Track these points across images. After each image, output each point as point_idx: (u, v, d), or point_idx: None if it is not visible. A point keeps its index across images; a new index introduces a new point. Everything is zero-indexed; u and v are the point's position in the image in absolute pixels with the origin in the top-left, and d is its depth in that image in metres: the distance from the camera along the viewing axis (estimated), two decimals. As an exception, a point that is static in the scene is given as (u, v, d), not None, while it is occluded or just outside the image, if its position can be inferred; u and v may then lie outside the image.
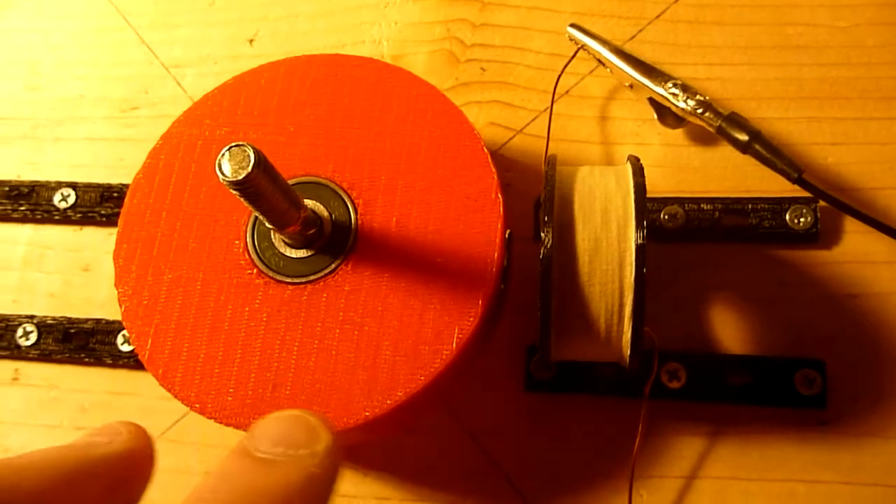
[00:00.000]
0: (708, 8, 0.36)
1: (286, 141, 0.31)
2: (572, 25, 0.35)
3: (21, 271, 0.38)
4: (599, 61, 0.34)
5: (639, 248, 0.25)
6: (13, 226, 0.38)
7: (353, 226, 0.29)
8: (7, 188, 0.38)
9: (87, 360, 0.35)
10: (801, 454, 0.30)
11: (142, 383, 0.35)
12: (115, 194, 0.37)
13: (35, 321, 0.36)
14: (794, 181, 0.30)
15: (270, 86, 0.32)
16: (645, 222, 0.26)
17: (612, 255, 0.26)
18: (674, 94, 0.32)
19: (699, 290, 0.32)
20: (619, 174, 0.28)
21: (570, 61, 0.35)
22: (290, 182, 0.27)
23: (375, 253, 0.29)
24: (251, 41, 0.39)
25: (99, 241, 0.37)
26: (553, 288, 0.26)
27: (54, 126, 0.40)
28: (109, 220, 0.37)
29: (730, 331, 0.32)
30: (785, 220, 0.32)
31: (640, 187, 0.26)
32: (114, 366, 0.35)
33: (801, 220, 0.32)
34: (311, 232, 0.28)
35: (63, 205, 0.37)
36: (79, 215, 0.37)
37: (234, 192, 0.25)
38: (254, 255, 0.29)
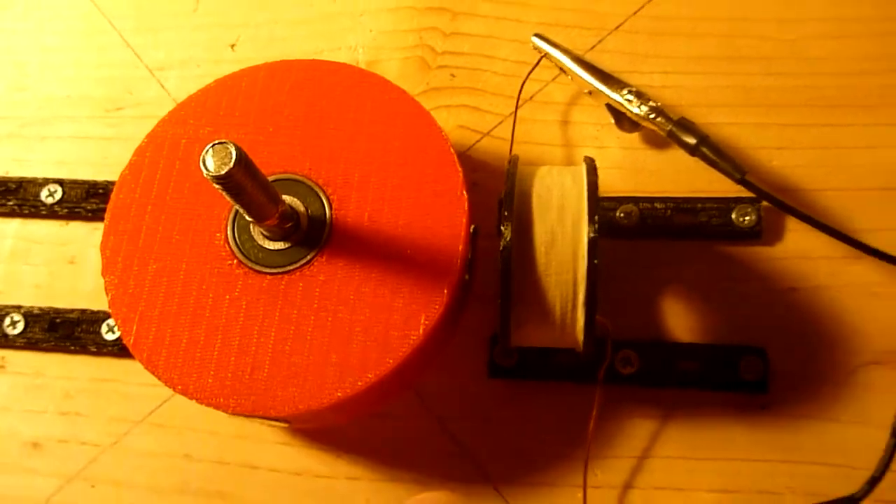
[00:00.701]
0: (664, 20, 0.38)
1: (266, 140, 0.32)
2: (536, 35, 0.37)
3: (7, 264, 0.39)
4: (561, 69, 0.37)
5: (591, 241, 0.28)
6: (3, 220, 0.40)
7: (328, 220, 0.31)
8: (-5, 183, 0.40)
9: (72, 348, 0.37)
10: (745, 435, 0.32)
11: (125, 370, 0.37)
12: (101, 190, 0.39)
13: (22, 311, 0.37)
14: (737, 181, 0.32)
15: (251, 89, 0.33)
16: (596, 217, 0.28)
17: (567, 248, 0.28)
18: (629, 101, 0.34)
19: (652, 283, 0.34)
20: (574, 173, 0.30)
21: (533, 69, 0.37)
22: (269, 179, 0.29)
23: (349, 245, 0.31)
24: (233, 46, 0.41)
25: (84, 235, 0.39)
26: (512, 278, 0.28)
27: (41, 125, 0.41)
28: (95, 216, 0.39)
29: (679, 321, 0.34)
30: (731, 218, 0.34)
31: (592, 185, 0.29)
32: (98, 354, 0.37)
33: (746, 218, 0.34)
34: (288, 225, 0.30)
35: (50, 200, 0.39)
36: (65, 210, 0.39)
37: (216, 186, 0.27)
38: (234, 247, 0.31)
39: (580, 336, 0.29)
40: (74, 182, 0.39)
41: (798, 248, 0.34)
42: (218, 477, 0.35)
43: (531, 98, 0.38)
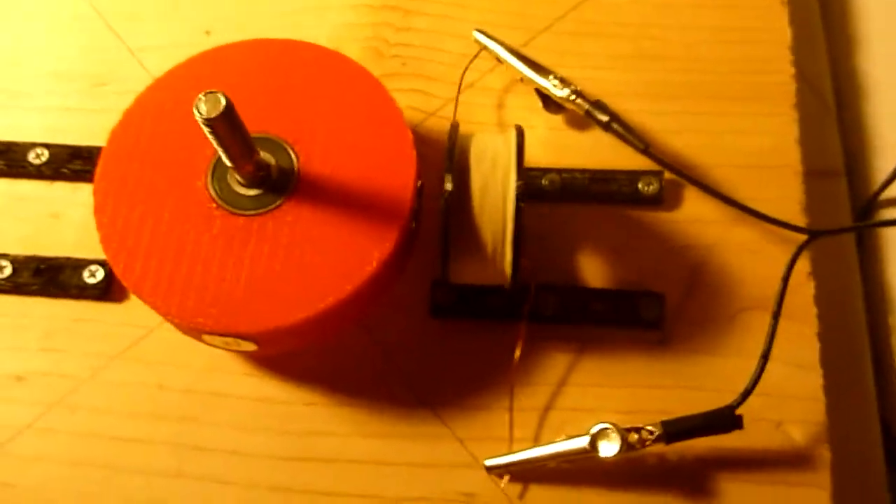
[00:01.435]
0: (586, 24, 0.45)
1: (242, 105, 0.37)
2: (477, 30, 0.43)
3: (-6, 218, 0.43)
4: (498, 60, 0.43)
5: (518, 188, 0.33)
6: (-9, 180, 0.44)
7: (295, 171, 0.36)
8: (-15, 146, 0.44)
9: (56, 291, 0.41)
10: (646, 366, 0.38)
11: (103, 312, 0.41)
12: (86, 154, 0.43)
13: (9, 258, 0.41)
14: (641, 152, 0.39)
15: (228, 62, 0.39)
16: (522, 169, 0.34)
17: (498, 195, 0.34)
18: (554, 85, 0.41)
19: (570, 240, 0.40)
20: (506, 137, 0.36)
21: (473, 58, 0.43)
22: (247, 132, 0.34)
23: (313, 193, 0.36)
24: (208, 32, 0.46)
25: (68, 194, 0.43)
26: (452, 218, 0.34)
27: (29, 97, 0.46)
28: (79, 176, 0.43)
29: (593, 271, 0.40)
30: (638, 187, 0.41)
31: (520, 145, 0.34)
32: (79, 297, 0.41)
33: (650, 187, 0.41)
34: (261, 174, 0.35)
35: (37, 161, 0.43)
36: (50, 171, 0.43)
37: (205, 129, 0.32)
38: (213, 193, 0.36)
39: (508, 270, 0.35)
40: (60, 146, 0.43)
41: (693, 213, 0.41)
42: (189, 404, 0.39)
43: (471, 85, 0.44)
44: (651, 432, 0.35)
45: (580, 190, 0.41)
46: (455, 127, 0.36)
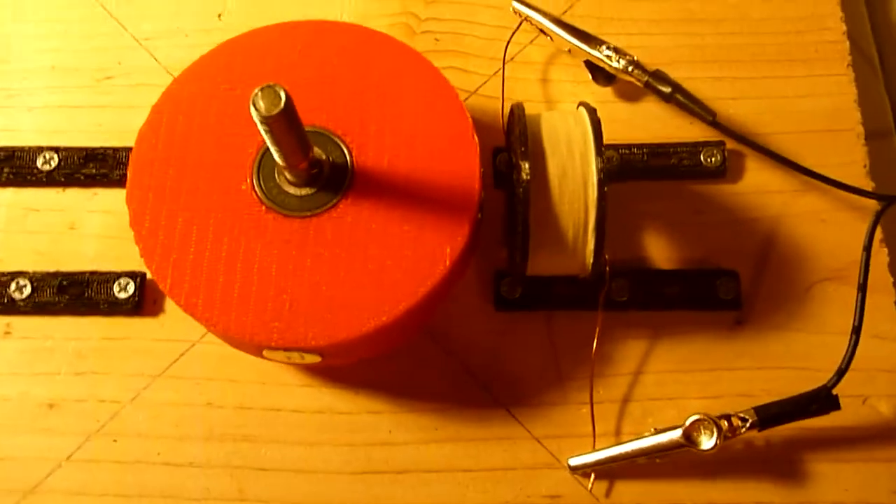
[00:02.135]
0: (626, -12, 0.43)
1: (281, 95, 0.34)
2: (517, 0, 0.40)
3: (5, 232, 0.39)
4: (542, 31, 0.40)
5: (599, 171, 0.31)
6: (-7, 190, 0.40)
7: (349, 166, 0.33)
8: (-14, 153, 0.40)
9: (83, 309, 0.37)
10: (723, 347, 0.37)
11: (137, 328, 0.38)
12: (100, 155, 0.39)
13: (28, 276, 0.38)
14: (709, 123, 0.37)
15: (264, 48, 0.35)
16: (603, 149, 0.31)
17: (578, 179, 0.32)
18: (608, 56, 0.38)
19: (635, 220, 0.38)
20: (575, 115, 0.33)
21: (515, 31, 0.40)
22: (296, 127, 0.31)
23: (371, 189, 0.33)
24: (220, 15, 0.43)
25: (83, 201, 0.40)
26: (531, 208, 0.31)
27: (27, 95, 0.41)
28: (94, 181, 0.39)
29: (661, 251, 0.38)
30: (700, 160, 0.39)
31: (596, 123, 0.32)
32: (110, 313, 0.37)
33: (713, 159, 0.39)
34: (314, 171, 0.32)
35: (46, 167, 0.39)
36: (62, 177, 0.39)
37: (262, 127, 0.28)
38: (261, 195, 0.33)
39: (590, 258, 0.32)
40: (70, 149, 0.40)
41: (756, 183, 0.39)
42: (242, 421, 0.36)
43: (512, 59, 0.41)
44: (744, 419, 0.33)
45: (639, 166, 0.39)
46: (521, 108, 0.33)
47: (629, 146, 0.39)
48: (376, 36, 0.36)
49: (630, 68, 0.38)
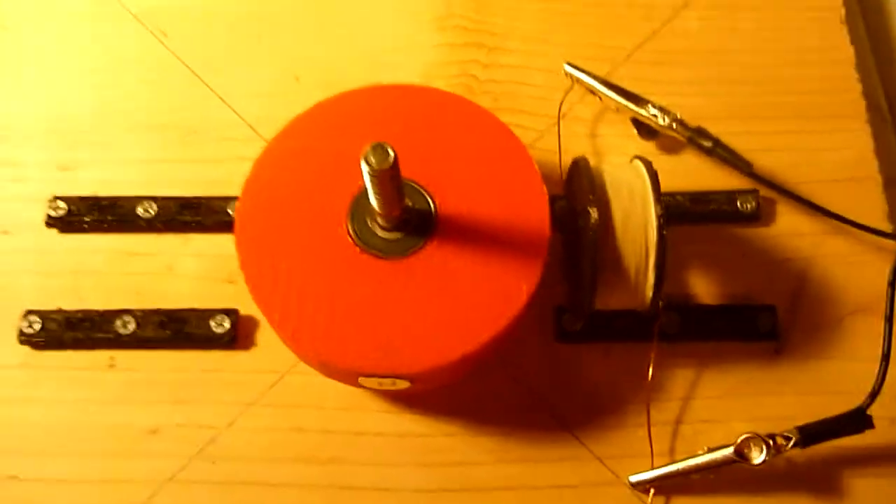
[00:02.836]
0: (661, 53, 0.48)
1: (370, 150, 0.39)
2: (568, 64, 0.45)
3: (108, 275, 0.43)
4: (591, 91, 0.45)
5: (659, 216, 0.35)
6: (98, 236, 0.44)
7: (433, 213, 0.37)
8: (91, 202, 0.44)
9: (182, 343, 0.41)
10: (765, 375, 0.41)
11: (233, 361, 0.41)
12: (194, 205, 0.43)
13: (132, 313, 0.41)
14: (747, 174, 0.41)
15: (354, 109, 0.40)
16: (661, 198, 0.36)
17: (640, 223, 0.36)
18: (654, 115, 0.43)
19: (680, 259, 0.43)
20: (633, 167, 0.38)
21: (568, 91, 0.45)
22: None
23: (453, 234, 0.37)
24: (297, 78, 0.47)
25: (178, 245, 0.43)
26: (599, 248, 0.35)
27: (123, 149, 0.46)
28: (188, 227, 0.43)
29: (705, 288, 0.42)
30: (736, 206, 0.43)
31: (653, 174, 0.36)
32: (206, 347, 0.41)
33: (748, 205, 0.43)
34: (404, 218, 0.37)
35: (146, 215, 0.43)
36: (160, 224, 0.43)
37: (370, 179, 0.33)
38: (355, 238, 0.37)
39: (649, 294, 0.36)
40: (167, 198, 0.44)
41: (788, 228, 0.43)
42: (329, 445, 0.40)
43: (563, 116, 0.46)
44: (787, 438, 0.37)
45: (682, 211, 0.43)
46: (585, 160, 0.38)
47: (672, 194, 0.43)
48: (451, 97, 0.40)
49: (674, 125, 0.42)
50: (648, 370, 0.39)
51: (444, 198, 0.38)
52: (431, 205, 0.37)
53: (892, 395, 0.39)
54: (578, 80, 0.45)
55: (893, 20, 0.53)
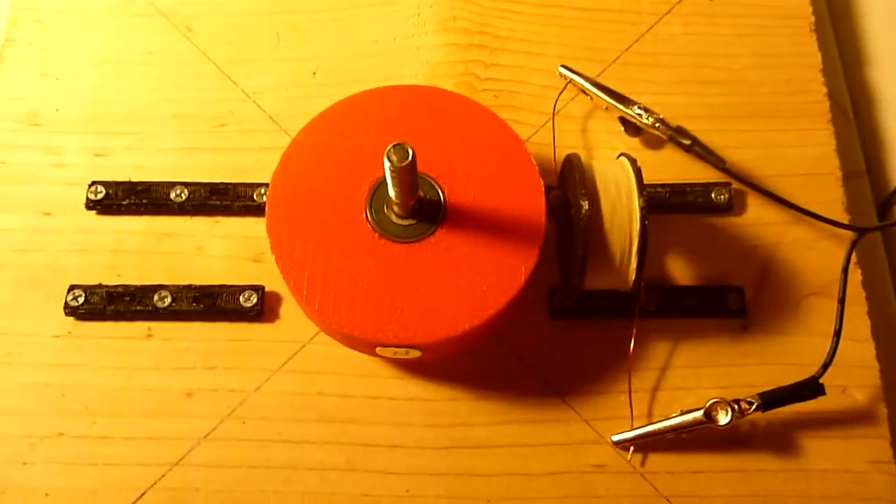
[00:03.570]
0: (647, 55, 0.52)
1: (386, 145, 0.43)
2: (563, 66, 0.50)
3: (143, 253, 0.47)
4: (583, 91, 0.49)
5: (642, 209, 0.40)
6: (134, 218, 0.48)
7: (442, 202, 0.42)
8: (127, 187, 0.48)
9: (213, 316, 0.46)
10: (733, 348, 0.46)
11: (259, 332, 0.46)
12: (222, 190, 0.48)
13: (168, 288, 0.46)
14: (721, 169, 0.46)
15: (368, 107, 0.44)
16: (645, 192, 0.40)
17: (625, 214, 0.41)
18: (639, 114, 0.48)
19: (661, 245, 0.48)
20: (620, 164, 0.43)
21: (562, 91, 0.50)
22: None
23: (461, 220, 0.42)
24: (314, 73, 0.51)
25: (207, 227, 0.48)
26: (589, 236, 0.40)
27: (156, 138, 0.50)
28: (217, 211, 0.48)
29: (682, 271, 0.47)
30: (711, 197, 0.48)
31: (638, 171, 0.41)
32: (235, 319, 0.46)
33: (721, 197, 0.48)
34: (416, 207, 0.41)
35: (178, 199, 0.48)
36: (191, 207, 0.48)
37: (391, 174, 0.37)
38: (373, 224, 0.41)
39: (632, 276, 0.41)
40: (197, 184, 0.48)
41: (756, 218, 0.48)
42: (347, 407, 0.44)
43: (557, 113, 0.50)
44: (750, 403, 0.42)
45: (662, 202, 0.48)
46: (577, 157, 0.42)
47: (653, 186, 0.48)
48: (457, 97, 0.45)
49: (657, 124, 0.47)
50: (630, 343, 0.44)
51: (452, 188, 0.42)
52: (441, 195, 0.42)
53: (842, 367, 0.45)
54: (571, 81, 0.49)
55: (860, 28, 0.58)
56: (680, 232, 0.48)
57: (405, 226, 0.42)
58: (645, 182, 0.47)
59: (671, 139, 0.47)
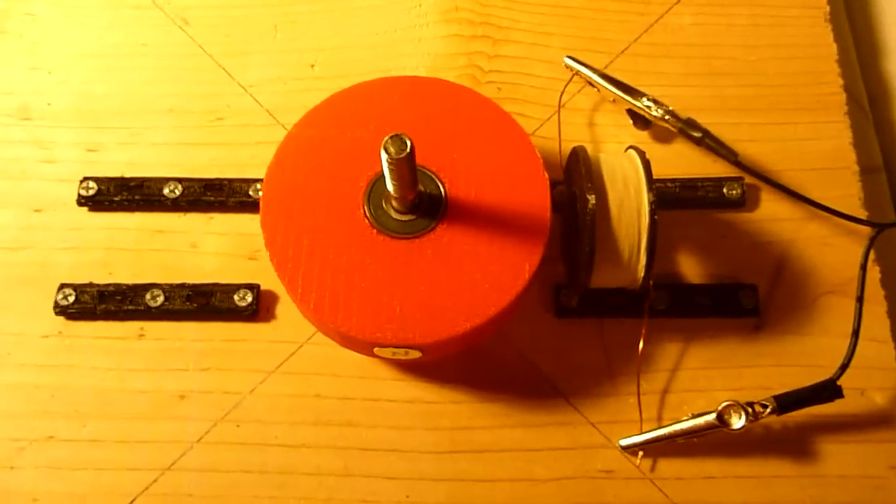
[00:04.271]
0: (656, 46, 0.50)
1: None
2: (569, 57, 0.48)
3: (136, 251, 0.46)
4: (589, 83, 0.48)
5: (651, 203, 0.38)
6: (126, 214, 0.47)
7: (443, 197, 0.40)
8: (120, 183, 0.46)
9: (207, 315, 0.44)
10: (745, 348, 0.44)
11: (254, 332, 0.44)
12: (217, 186, 0.46)
13: (161, 287, 0.44)
14: (732, 162, 0.44)
15: (366, 99, 0.43)
16: (654, 186, 0.39)
17: (633, 209, 0.39)
18: (648, 106, 0.46)
19: (671, 241, 0.46)
20: (628, 157, 0.41)
21: (568, 83, 0.48)
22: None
23: (461, 216, 0.40)
24: (312, 66, 0.50)
25: (202, 224, 0.46)
26: (596, 231, 0.38)
27: (150, 133, 0.49)
28: (211, 207, 0.46)
29: (692, 268, 0.45)
30: (723, 192, 0.46)
31: (646, 163, 0.40)
32: (230, 319, 0.44)
33: (734, 192, 0.46)
34: (416, 201, 0.40)
35: (172, 195, 0.46)
36: (185, 203, 0.46)
37: (388, 166, 0.36)
38: (371, 220, 0.40)
39: (641, 274, 0.40)
40: (191, 179, 0.47)
41: (770, 213, 0.47)
42: (345, 410, 0.43)
43: (563, 106, 0.49)
44: (765, 406, 0.41)
45: (672, 197, 0.46)
46: (584, 150, 0.41)
47: (663, 180, 0.46)
48: (459, 88, 0.43)
49: (666, 116, 0.45)
50: (639, 344, 0.43)
51: (453, 182, 0.41)
52: (441, 189, 0.41)
53: (861, 368, 0.43)
54: (578, 73, 0.48)
55: (876, 20, 0.56)
56: (691, 228, 0.46)
57: (404, 221, 0.40)
58: (654, 177, 0.46)
59: (681, 132, 0.45)
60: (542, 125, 0.49)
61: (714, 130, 0.47)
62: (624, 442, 0.42)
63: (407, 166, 0.36)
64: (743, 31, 0.51)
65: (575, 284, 0.42)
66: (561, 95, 0.48)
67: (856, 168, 0.47)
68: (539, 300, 0.45)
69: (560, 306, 0.44)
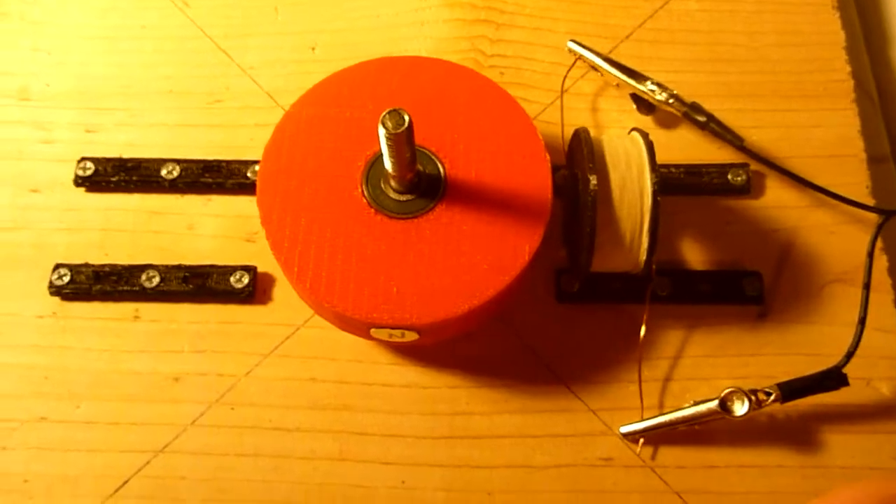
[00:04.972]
0: (661, 31, 0.50)
1: (384, 118, 0.41)
2: (572, 41, 0.47)
3: (133, 232, 0.45)
4: (593, 67, 0.47)
5: (654, 184, 0.38)
6: (123, 195, 0.46)
7: (443, 177, 0.40)
8: (117, 163, 0.46)
9: (203, 297, 0.44)
10: (749, 336, 0.43)
11: (250, 314, 0.44)
12: (215, 167, 0.46)
13: (157, 268, 0.44)
14: (738, 148, 0.44)
15: (366, 78, 0.42)
16: (657, 167, 0.38)
17: (636, 190, 0.38)
18: (652, 90, 0.45)
19: (675, 227, 0.45)
20: (631, 139, 0.40)
21: (571, 67, 0.47)
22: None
23: (461, 196, 0.39)
24: (313, 49, 0.50)
25: (199, 206, 0.46)
26: (598, 212, 0.38)
27: (148, 114, 0.48)
28: (209, 189, 0.46)
29: (696, 255, 0.45)
30: (727, 179, 0.46)
31: (650, 144, 0.39)
32: (226, 301, 0.44)
33: (739, 178, 0.45)
34: (415, 181, 0.39)
35: (169, 177, 0.46)
36: (182, 184, 0.46)
37: (386, 142, 0.35)
38: (370, 200, 0.39)
39: (643, 258, 0.39)
40: (189, 161, 0.46)
41: (776, 199, 0.46)
42: (341, 394, 0.42)
43: (566, 90, 0.48)
44: (768, 393, 0.40)
45: (676, 183, 0.45)
46: (586, 131, 0.40)
47: (667, 166, 0.46)
48: (461, 69, 0.43)
49: (671, 100, 0.45)
50: (641, 330, 0.42)
51: (453, 163, 0.40)
52: (441, 169, 0.40)
53: (867, 357, 0.42)
54: (581, 57, 0.47)
55: (885, 7, 0.55)
56: (694, 214, 0.46)
57: (403, 201, 0.39)
58: (658, 162, 0.45)
59: (686, 116, 0.45)
60: (544, 110, 0.48)
61: (719, 117, 0.46)
62: (624, 429, 0.41)
63: (405, 143, 0.35)
64: (748, 16, 0.50)
65: (576, 268, 0.41)
66: (564, 80, 0.47)
67: (863, 156, 0.47)
68: (540, 285, 0.44)
69: (561, 291, 0.43)
